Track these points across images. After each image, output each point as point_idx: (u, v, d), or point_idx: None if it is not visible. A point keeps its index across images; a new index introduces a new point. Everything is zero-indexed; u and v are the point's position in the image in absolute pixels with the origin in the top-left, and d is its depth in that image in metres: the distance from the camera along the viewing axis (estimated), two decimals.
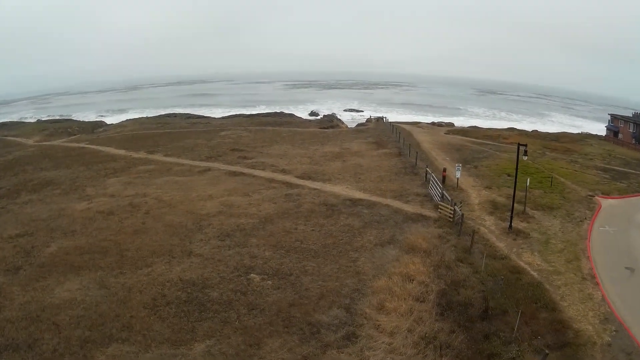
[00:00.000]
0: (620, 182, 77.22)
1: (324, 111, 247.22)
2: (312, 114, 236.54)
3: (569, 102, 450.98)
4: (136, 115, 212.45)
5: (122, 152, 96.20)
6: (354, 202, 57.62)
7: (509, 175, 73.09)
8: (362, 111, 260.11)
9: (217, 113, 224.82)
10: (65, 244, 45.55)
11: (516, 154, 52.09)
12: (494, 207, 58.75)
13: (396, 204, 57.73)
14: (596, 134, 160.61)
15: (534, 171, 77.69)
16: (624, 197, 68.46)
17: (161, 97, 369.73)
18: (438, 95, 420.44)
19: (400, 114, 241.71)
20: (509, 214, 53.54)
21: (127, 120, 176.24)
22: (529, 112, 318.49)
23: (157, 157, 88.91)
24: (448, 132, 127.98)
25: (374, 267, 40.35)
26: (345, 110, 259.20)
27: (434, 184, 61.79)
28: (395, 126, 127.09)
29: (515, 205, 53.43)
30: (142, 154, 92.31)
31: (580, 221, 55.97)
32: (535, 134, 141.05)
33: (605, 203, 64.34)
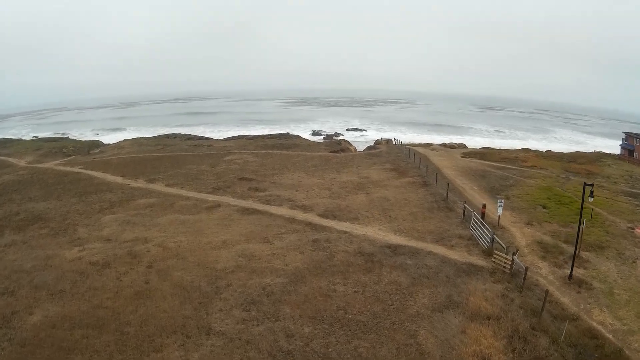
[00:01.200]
0: None
1: (326, 130, 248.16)
2: (315, 133, 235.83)
3: (570, 117, 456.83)
4: (134, 134, 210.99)
5: (118, 179, 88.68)
6: (393, 249, 49.51)
7: (544, 207, 69.12)
8: (366, 130, 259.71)
9: (218, 132, 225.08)
10: (52, 311, 37.12)
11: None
12: (544, 250, 52.37)
13: (440, 250, 50.15)
14: (609, 153, 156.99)
15: (567, 201, 72.92)
16: None
17: (159, 114, 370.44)
18: (439, 112, 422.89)
19: (405, 133, 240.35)
20: (562, 257, 49.75)
21: (124, 140, 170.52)
22: (532, 128, 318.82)
23: (158, 187, 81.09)
24: (465, 155, 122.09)
25: (439, 343, 32.61)
26: (348, 130, 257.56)
27: (476, 223, 54.61)
28: (409, 149, 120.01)
29: (565, 246, 51.74)
30: (141, 183, 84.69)
31: (633, 262, 50.41)
32: (550, 155, 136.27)
33: None
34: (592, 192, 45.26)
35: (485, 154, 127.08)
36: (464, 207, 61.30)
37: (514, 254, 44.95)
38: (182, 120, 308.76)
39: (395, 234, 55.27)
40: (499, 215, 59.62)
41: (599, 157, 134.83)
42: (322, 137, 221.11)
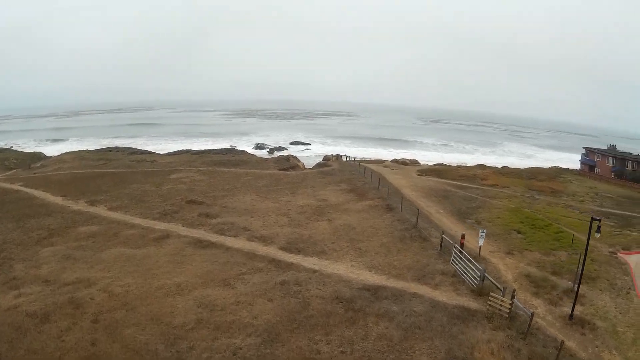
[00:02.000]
0: (630, 231, 71.56)
1: (270, 144, 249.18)
2: (259, 147, 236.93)
3: (515, 130, 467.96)
4: (76, 146, 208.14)
5: (59, 200, 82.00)
6: (373, 292, 43.46)
7: (519, 233, 66.02)
8: (310, 144, 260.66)
9: (162, 145, 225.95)
10: None
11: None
12: (534, 285, 48.32)
13: (425, 290, 44.61)
14: (568, 168, 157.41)
15: (542, 224, 70.48)
16: None
17: (102, 125, 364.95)
18: (383, 125, 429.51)
19: (349, 147, 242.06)
20: (556, 293, 46.38)
21: (66, 153, 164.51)
22: (480, 142, 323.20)
23: (101, 210, 74.28)
24: (421, 173, 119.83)
25: None
26: (292, 143, 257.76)
27: (457, 256, 49.78)
28: (362, 167, 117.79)
29: (555, 279, 49.79)
30: (82, 205, 77.90)
31: (627, 292, 47.98)
32: (507, 171, 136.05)
33: (632, 261, 57.07)
34: (599, 227, 41.75)
35: (441, 171, 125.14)
36: (442, 237, 56.16)
37: (513, 296, 40.00)
38: (126, 132, 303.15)
39: (370, 271, 49.51)
40: (480, 247, 55.25)
41: (558, 173, 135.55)
42: (266, 150, 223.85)
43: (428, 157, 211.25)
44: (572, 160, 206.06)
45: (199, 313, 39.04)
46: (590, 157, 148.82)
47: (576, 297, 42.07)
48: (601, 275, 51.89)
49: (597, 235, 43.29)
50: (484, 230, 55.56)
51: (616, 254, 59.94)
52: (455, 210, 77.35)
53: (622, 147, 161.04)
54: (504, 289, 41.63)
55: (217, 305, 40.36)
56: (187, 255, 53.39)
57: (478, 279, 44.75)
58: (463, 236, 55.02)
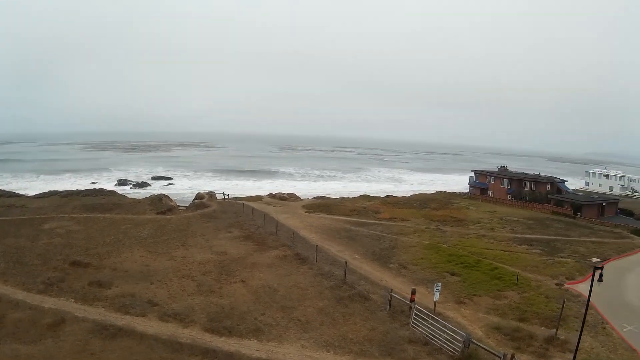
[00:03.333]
0: (562, 257, 73.19)
1: (132, 180, 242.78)
2: (121, 182, 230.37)
3: (376, 153, 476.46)
4: None
5: None
6: None
7: (452, 275, 63.01)
8: (172, 178, 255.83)
9: (25, 182, 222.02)
10: None
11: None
12: (510, 338, 44.77)
13: None
14: (457, 192, 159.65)
15: (471, 262, 67.44)
16: (588, 278, 61.03)
17: None
18: (241, 155, 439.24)
19: (214, 180, 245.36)
20: (538, 343, 43.59)
21: None
22: (344, 168, 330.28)
23: None
24: (309, 210, 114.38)
25: None
26: (154, 178, 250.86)
27: (419, 319, 43.51)
28: (248, 207, 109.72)
29: (526, 327, 47.65)
30: None
31: (603, 328, 48.07)
32: (395, 201, 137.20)
33: (584, 291, 52.73)
34: (601, 275, 39.69)
35: (329, 206, 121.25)
36: (391, 296, 49.15)
37: None
38: None
39: (328, 351, 40.06)
40: (435, 302, 49.58)
41: (448, 199, 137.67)
42: (129, 187, 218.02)
43: (297, 187, 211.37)
44: (444, 181, 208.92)
45: None
46: (481, 179, 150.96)
47: (576, 350, 38.40)
48: (567, 313, 49.63)
49: (599, 284, 40.54)
50: (439, 284, 50.32)
51: (563, 285, 59.21)
52: (370, 254, 72.51)
53: (485, 160, 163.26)
54: (504, 355, 35.25)
55: None
56: (97, 352, 39.73)
57: (459, 344, 38.68)
58: (414, 292, 48.88)
